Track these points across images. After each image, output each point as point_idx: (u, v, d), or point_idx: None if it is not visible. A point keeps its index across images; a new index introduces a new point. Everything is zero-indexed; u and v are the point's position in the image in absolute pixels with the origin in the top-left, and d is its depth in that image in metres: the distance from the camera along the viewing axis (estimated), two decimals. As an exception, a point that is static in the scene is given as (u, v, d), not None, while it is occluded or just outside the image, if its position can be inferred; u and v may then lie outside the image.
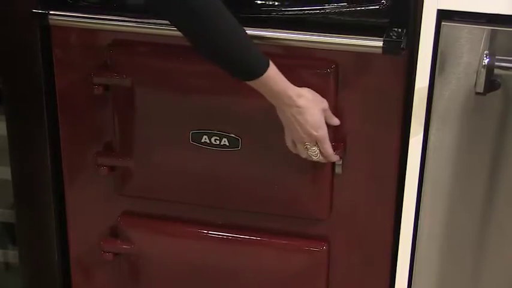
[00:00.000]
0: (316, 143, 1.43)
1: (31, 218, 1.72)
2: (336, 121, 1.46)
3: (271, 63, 1.35)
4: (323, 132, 1.43)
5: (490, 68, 1.32)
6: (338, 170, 1.52)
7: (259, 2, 1.46)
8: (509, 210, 1.46)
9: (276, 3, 1.44)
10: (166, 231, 1.65)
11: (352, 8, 1.41)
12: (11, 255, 1.85)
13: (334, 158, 1.47)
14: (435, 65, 1.40)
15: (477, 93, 1.36)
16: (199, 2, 1.28)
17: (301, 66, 1.45)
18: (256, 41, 1.44)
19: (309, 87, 1.42)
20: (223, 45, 1.31)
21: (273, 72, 1.35)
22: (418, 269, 1.54)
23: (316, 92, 1.43)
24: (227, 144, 1.52)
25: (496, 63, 1.33)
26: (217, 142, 1.52)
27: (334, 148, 1.46)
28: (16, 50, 1.59)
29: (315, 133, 1.42)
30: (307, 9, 1.43)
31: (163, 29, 1.45)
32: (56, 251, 1.75)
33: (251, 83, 1.35)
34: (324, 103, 1.43)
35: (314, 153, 1.44)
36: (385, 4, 1.39)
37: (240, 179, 1.56)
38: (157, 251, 1.67)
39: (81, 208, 1.71)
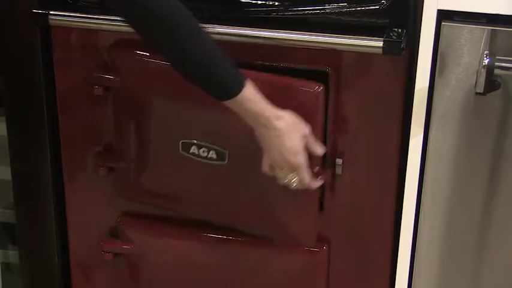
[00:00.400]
0: (295, 171, 1.37)
1: (31, 218, 1.72)
2: (318, 150, 1.40)
3: (249, 83, 1.30)
4: (301, 159, 1.36)
5: (490, 68, 1.32)
6: (338, 170, 1.51)
7: (259, 2, 1.45)
8: (510, 210, 1.46)
9: (276, 3, 1.44)
10: (166, 231, 1.65)
11: (352, 8, 1.40)
12: (11, 255, 1.85)
13: (315, 184, 1.41)
14: (435, 65, 1.40)
15: (477, 94, 1.36)
16: (174, 19, 1.24)
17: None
18: (256, 41, 1.45)
19: (307, 89, 1.41)
20: (198, 64, 1.27)
21: (249, 93, 1.30)
22: (418, 270, 1.54)
23: (316, 94, 1.42)
24: (214, 157, 1.49)
25: (496, 64, 1.33)
26: (205, 154, 1.49)
27: (318, 173, 1.42)
28: (16, 50, 1.59)
29: (292, 159, 1.35)
30: (307, 10, 1.43)
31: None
32: (56, 251, 1.75)
33: (228, 103, 1.30)
34: (305, 129, 1.37)
35: (291, 181, 1.38)
36: (385, 4, 1.39)
37: (224, 194, 1.53)
38: (157, 251, 1.67)
39: (81, 208, 1.71)
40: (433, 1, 1.36)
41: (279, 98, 1.36)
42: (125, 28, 1.48)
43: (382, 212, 1.54)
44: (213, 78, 1.29)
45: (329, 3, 1.41)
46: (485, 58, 1.32)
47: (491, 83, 1.34)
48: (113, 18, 1.47)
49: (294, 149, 1.35)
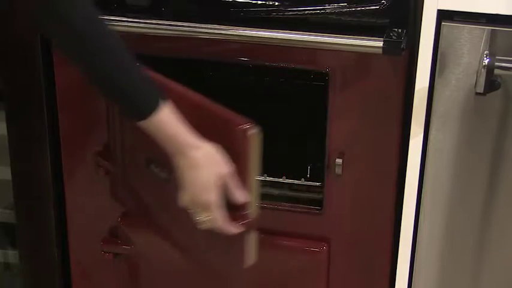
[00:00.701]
0: (206, 210, 1.23)
1: (31, 218, 1.72)
2: (238, 196, 1.24)
3: (167, 104, 1.18)
4: (212, 198, 1.21)
5: (490, 68, 1.32)
6: (338, 170, 1.51)
7: (259, 2, 1.45)
8: (510, 210, 1.46)
9: (276, 3, 1.44)
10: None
11: (352, 8, 1.40)
12: (11, 255, 1.85)
13: (230, 229, 1.24)
14: (435, 65, 1.40)
15: (477, 94, 1.36)
16: (90, 31, 1.13)
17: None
18: (256, 41, 1.45)
19: (237, 125, 1.25)
20: (110, 80, 1.15)
21: (166, 115, 1.17)
22: (418, 270, 1.54)
23: (245, 131, 1.25)
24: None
25: (496, 64, 1.33)
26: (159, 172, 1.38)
27: (239, 218, 1.27)
28: (16, 50, 1.59)
29: (203, 196, 1.21)
30: (307, 10, 1.43)
31: (163, 30, 1.45)
32: (56, 251, 1.75)
33: (142, 125, 1.18)
34: (224, 167, 1.22)
35: (202, 219, 1.24)
36: (385, 4, 1.39)
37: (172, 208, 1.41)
38: (157, 251, 1.67)
39: (81, 208, 1.71)
40: (433, 1, 1.36)
41: (207, 129, 1.24)
42: (125, 28, 1.48)
43: (382, 212, 1.54)
44: (125, 97, 1.17)
45: (329, 3, 1.41)
46: (485, 58, 1.32)
47: (491, 83, 1.34)
48: (112, 18, 1.47)
49: (206, 184, 1.21)
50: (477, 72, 1.34)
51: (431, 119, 1.43)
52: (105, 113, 1.58)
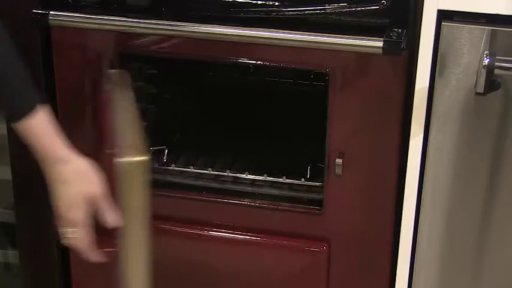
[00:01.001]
0: (72, 226, 1.18)
1: (31, 218, 1.72)
2: (109, 219, 1.18)
3: (43, 112, 1.14)
4: (77, 217, 1.16)
5: (490, 68, 1.32)
6: (338, 170, 1.51)
7: (259, 2, 1.45)
8: (510, 211, 1.46)
9: (276, 3, 1.44)
10: (167, 230, 1.65)
11: (352, 8, 1.40)
12: (11, 255, 1.85)
13: (91, 255, 1.20)
14: (435, 65, 1.40)
15: (477, 94, 1.35)
16: None
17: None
18: (256, 41, 1.44)
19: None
20: None
21: (39, 122, 1.13)
22: (418, 270, 1.54)
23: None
24: None
25: (496, 64, 1.32)
26: None
27: (106, 245, 1.24)
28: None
29: (68, 213, 1.16)
30: (307, 10, 1.43)
31: (164, 29, 1.45)
32: (56, 251, 1.74)
33: (16, 127, 1.14)
34: (95, 187, 1.17)
35: (66, 235, 1.18)
36: (385, 4, 1.38)
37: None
38: (158, 250, 1.66)
39: (81, 208, 1.71)
40: (433, 1, 1.35)
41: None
42: (126, 28, 1.48)
43: (382, 212, 1.54)
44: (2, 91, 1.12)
45: (329, 3, 1.41)
46: (485, 58, 1.32)
47: (491, 83, 1.34)
48: (113, 18, 1.47)
49: (73, 201, 1.16)
50: (477, 72, 1.34)
51: (431, 119, 1.43)
52: (105, 113, 1.58)
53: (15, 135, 1.63)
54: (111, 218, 1.18)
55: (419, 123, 1.44)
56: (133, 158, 1.17)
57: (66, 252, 1.75)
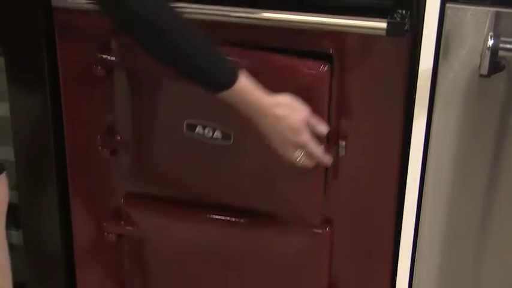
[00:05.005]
0: (300, 148, 1.39)
1: (34, 199, 1.72)
2: (322, 129, 1.40)
3: (242, 72, 1.30)
4: (304, 137, 1.37)
5: (494, 50, 1.32)
6: (341, 152, 1.51)
7: (262, -17, 1.45)
8: (512, 193, 1.46)
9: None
10: (170, 213, 1.65)
11: (356, -11, 1.40)
12: (15, 235, 1.85)
13: (325, 159, 1.42)
14: (439, 47, 1.39)
15: (481, 76, 1.35)
16: (158, 18, 1.23)
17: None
18: (259, 23, 1.44)
19: (310, 72, 1.40)
20: (187, 58, 1.27)
21: (244, 83, 1.30)
22: (421, 250, 1.54)
23: (319, 76, 1.41)
24: (220, 137, 1.50)
25: (501, 45, 1.32)
26: (210, 134, 1.50)
27: (326, 150, 1.44)
28: (19, 33, 1.59)
29: (294, 138, 1.37)
30: (311, -9, 1.43)
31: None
32: (59, 233, 1.75)
33: (221, 96, 1.30)
34: (303, 111, 1.37)
35: (298, 159, 1.39)
36: (389, -15, 1.38)
37: (233, 171, 1.54)
38: (160, 232, 1.67)
39: (84, 189, 1.71)
40: (438, -17, 1.35)
41: (280, 80, 1.37)
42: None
43: (385, 194, 1.54)
44: (204, 71, 1.29)
45: (333, -15, 1.41)
46: (489, 40, 1.32)
47: (496, 64, 1.33)
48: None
49: (295, 130, 1.36)
50: (481, 54, 1.33)
51: (434, 101, 1.43)
52: (109, 94, 1.58)
53: (18, 117, 1.65)
54: (323, 127, 1.40)
55: (423, 105, 1.44)
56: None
57: (69, 233, 1.76)
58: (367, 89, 1.47)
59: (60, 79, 1.62)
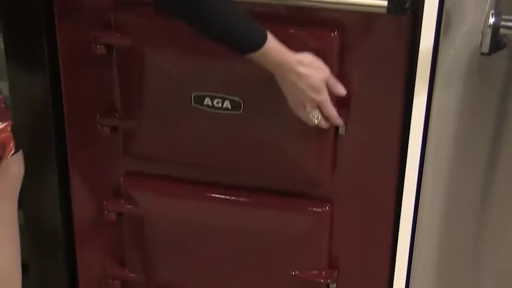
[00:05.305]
0: (317, 107, 1.44)
1: (35, 178, 1.72)
2: (340, 89, 1.46)
3: (269, 34, 1.37)
4: (324, 96, 1.43)
5: (495, 28, 1.31)
6: (341, 131, 1.51)
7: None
8: (512, 171, 1.47)
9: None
10: (170, 191, 1.66)
11: (357, -33, 1.39)
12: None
13: (338, 120, 1.47)
14: (440, 25, 1.39)
15: (482, 54, 1.35)
16: None
17: (305, 28, 1.45)
18: (260, 1, 1.44)
19: (313, 48, 1.41)
20: (218, 24, 1.35)
21: (272, 43, 1.38)
22: (421, 229, 1.54)
23: (321, 52, 1.42)
24: (229, 107, 1.51)
25: (502, 23, 1.31)
26: (220, 105, 1.52)
27: (338, 113, 1.46)
28: (18, 12, 1.58)
29: (314, 97, 1.42)
30: (312, -31, 1.42)
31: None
32: (60, 211, 1.75)
33: (251, 56, 1.38)
34: (325, 71, 1.43)
35: (315, 117, 1.44)
36: (390, -38, 1.38)
37: (242, 142, 1.56)
38: (160, 211, 1.68)
39: (84, 168, 1.71)
40: (439, -40, 1.35)
41: (294, 47, 1.41)
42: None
43: (385, 171, 1.54)
44: (236, 35, 1.37)
45: (335, -38, 1.40)
46: (490, 18, 1.31)
47: (497, 42, 1.33)
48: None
49: (315, 88, 1.41)
50: (482, 32, 1.33)
51: (435, 79, 1.43)
52: (109, 72, 1.57)
53: (18, 96, 1.65)
54: (341, 88, 1.45)
55: (424, 83, 1.44)
56: None
57: (69, 213, 1.76)
58: (367, 67, 1.47)
59: (59, 58, 1.61)
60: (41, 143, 1.69)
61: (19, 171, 1.39)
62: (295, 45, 1.41)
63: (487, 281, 1.55)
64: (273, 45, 1.38)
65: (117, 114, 1.60)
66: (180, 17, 1.35)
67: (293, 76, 1.41)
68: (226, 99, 1.51)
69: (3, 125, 1.32)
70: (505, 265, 1.53)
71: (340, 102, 1.47)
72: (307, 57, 1.42)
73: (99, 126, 1.62)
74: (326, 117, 1.45)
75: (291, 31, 1.45)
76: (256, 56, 1.38)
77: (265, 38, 1.37)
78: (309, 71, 1.41)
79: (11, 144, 1.33)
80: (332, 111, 1.45)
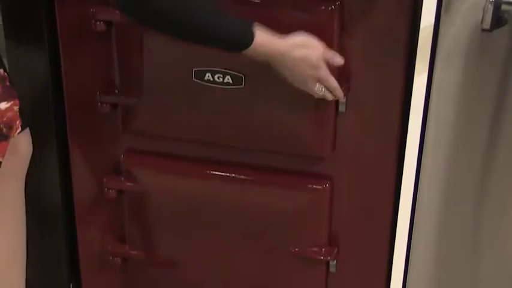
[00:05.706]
0: (320, 82, 1.44)
1: (35, 156, 1.72)
2: (338, 60, 1.45)
3: (257, 27, 1.38)
4: (323, 72, 1.43)
5: (497, 4, 1.31)
6: (342, 108, 1.51)
7: None
8: (512, 150, 1.46)
9: None
10: (170, 168, 1.66)
11: None
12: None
13: (340, 93, 1.47)
14: (441, 1, 1.38)
15: (483, 30, 1.34)
16: (175, 10, 1.34)
17: (305, 4, 1.44)
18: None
19: (313, 26, 1.40)
20: (206, 33, 1.37)
21: (261, 38, 1.38)
22: (421, 208, 1.55)
23: (321, 30, 1.41)
24: (231, 81, 1.51)
25: (504, -1, 1.31)
26: (221, 80, 1.52)
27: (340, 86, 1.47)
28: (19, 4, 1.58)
29: (314, 74, 1.43)
30: None
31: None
32: (60, 189, 1.75)
33: (241, 54, 1.38)
34: (319, 48, 1.43)
35: (318, 90, 1.45)
36: None
37: (243, 117, 1.56)
38: (160, 188, 1.68)
39: (84, 146, 1.71)
40: None
41: (293, 19, 1.42)
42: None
43: (386, 149, 1.54)
44: (223, 39, 1.38)
45: None
46: (492, -7, 1.31)
47: (498, 19, 1.32)
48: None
49: (314, 65, 1.42)
50: (484, 8, 1.32)
51: (436, 57, 1.42)
52: (108, 49, 1.57)
53: (17, 73, 1.64)
54: (338, 59, 1.44)
55: (424, 61, 1.43)
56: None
57: (69, 191, 1.76)
58: (368, 45, 1.47)
59: (59, 34, 1.61)
60: (41, 120, 1.69)
61: (27, 150, 1.38)
62: (295, 20, 1.40)
63: (487, 257, 1.55)
64: (261, 39, 1.38)
65: (116, 91, 1.60)
66: (162, 30, 1.39)
67: (289, 62, 1.41)
68: (227, 74, 1.51)
69: (9, 104, 1.30)
70: (504, 244, 1.53)
71: (341, 78, 1.47)
72: (300, 39, 1.42)
73: (99, 104, 1.62)
74: (329, 90, 1.46)
75: (291, 5, 1.44)
76: (247, 52, 1.38)
77: (252, 34, 1.37)
78: (304, 52, 1.41)
79: (17, 122, 1.32)
80: (333, 83, 1.45)
